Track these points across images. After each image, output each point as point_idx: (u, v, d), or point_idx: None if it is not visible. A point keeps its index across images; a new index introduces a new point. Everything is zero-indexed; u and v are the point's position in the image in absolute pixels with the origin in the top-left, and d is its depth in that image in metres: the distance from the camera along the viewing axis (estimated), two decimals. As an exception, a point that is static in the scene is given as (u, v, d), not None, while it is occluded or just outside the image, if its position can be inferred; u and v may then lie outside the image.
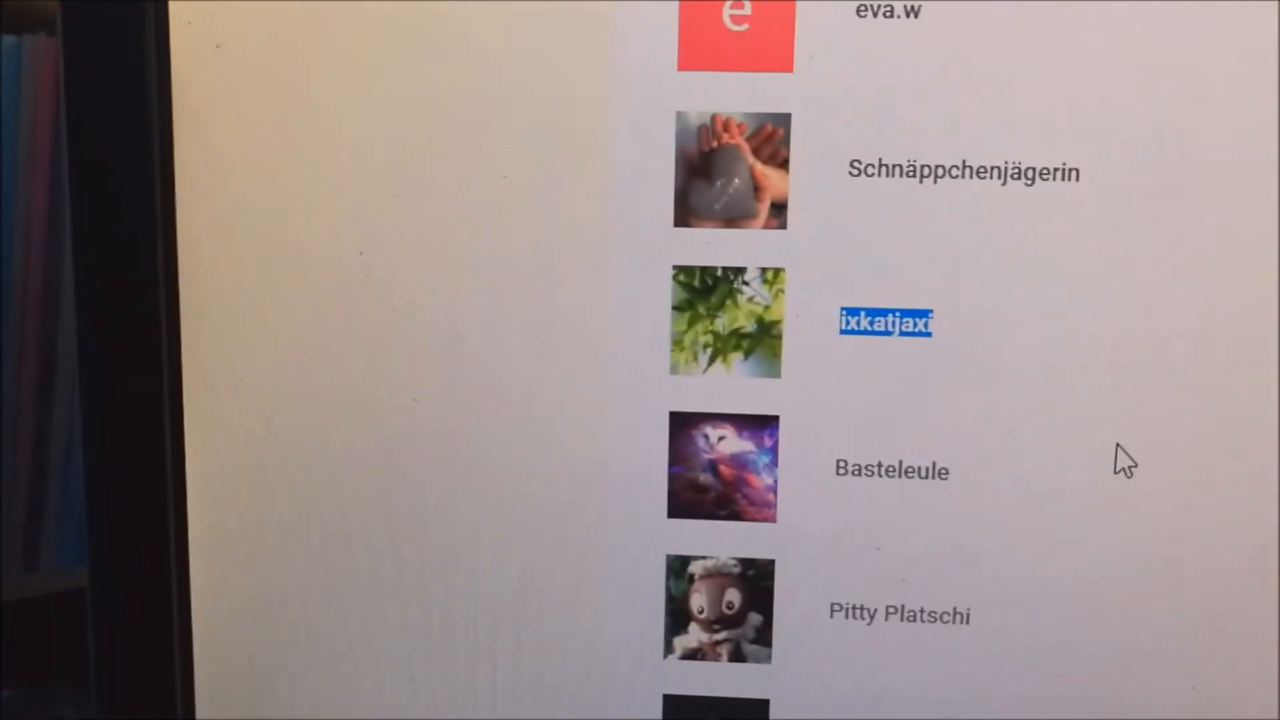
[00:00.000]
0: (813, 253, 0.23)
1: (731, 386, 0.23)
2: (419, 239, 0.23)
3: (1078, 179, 0.22)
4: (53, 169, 0.58)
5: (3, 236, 0.58)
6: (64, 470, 0.62)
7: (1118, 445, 0.23)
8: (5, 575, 0.61)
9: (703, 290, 0.23)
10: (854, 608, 0.24)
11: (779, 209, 0.23)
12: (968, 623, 0.24)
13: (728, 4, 0.22)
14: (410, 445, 0.23)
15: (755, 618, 0.24)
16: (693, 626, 0.24)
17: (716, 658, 0.24)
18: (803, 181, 0.23)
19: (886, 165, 0.22)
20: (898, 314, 0.23)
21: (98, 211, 0.23)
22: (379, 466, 0.24)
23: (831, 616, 0.24)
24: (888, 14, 0.22)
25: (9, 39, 0.58)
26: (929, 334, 0.23)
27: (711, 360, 0.23)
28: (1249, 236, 0.22)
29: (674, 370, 0.23)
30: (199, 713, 0.25)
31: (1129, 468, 0.23)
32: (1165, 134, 0.22)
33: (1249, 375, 0.23)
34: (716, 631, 0.24)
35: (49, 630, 0.68)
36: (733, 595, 0.24)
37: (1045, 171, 0.22)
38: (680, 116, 0.23)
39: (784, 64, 0.22)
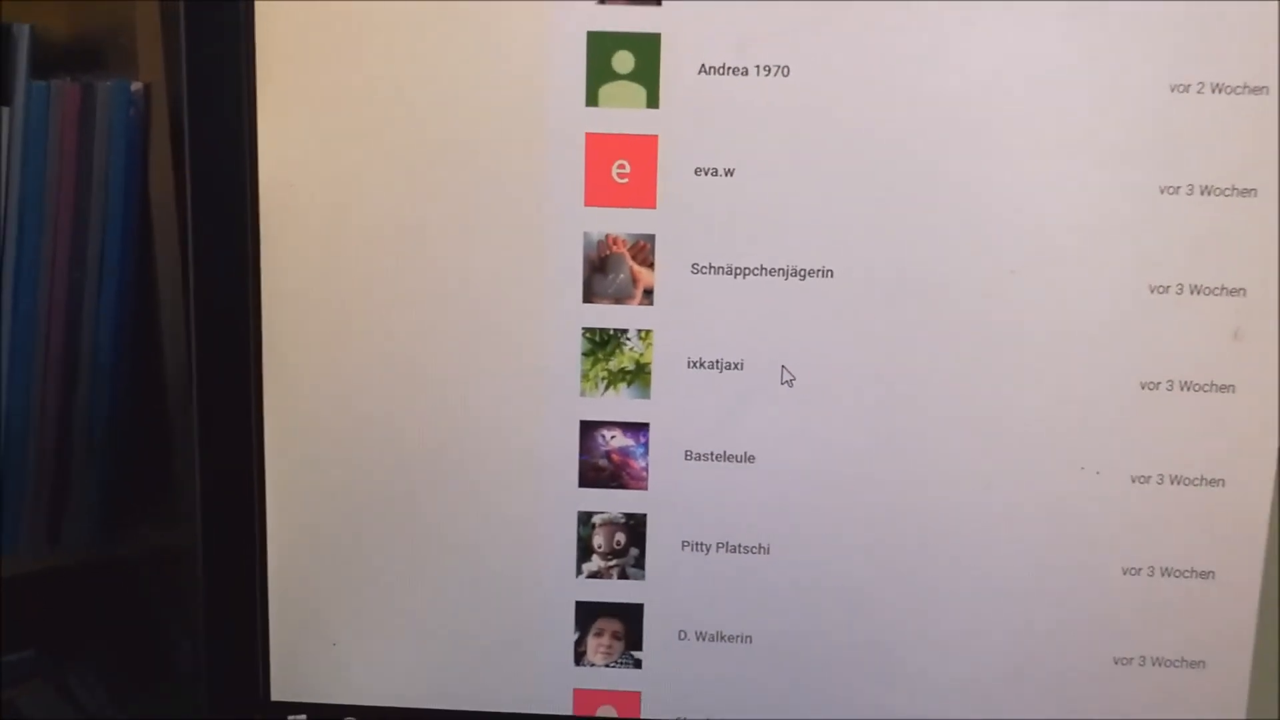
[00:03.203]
0: (669, 321, 0.38)
1: (619, 404, 0.39)
2: (434, 317, 0.38)
3: (833, 276, 0.38)
4: (76, 198, 0.72)
5: (31, 259, 0.73)
6: (85, 458, 0.76)
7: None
8: (25, 550, 0.75)
9: (601, 343, 0.38)
10: (695, 544, 0.39)
11: (648, 293, 0.38)
12: (768, 553, 0.39)
13: (614, 166, 0.37)
14: (425, 449, 0.39)
15: (634, 551, 0.39)
16: (594, 557, 0.39)
17: (609, 577, 0.40)
18: (662, 276, 0.38)
19: (714, 267, 0.38)
20: (723, 361, 0.38)
21: (210, 276, 0.38)
22: (407, 455, 0.39)
23: (682, 549, 0.39)
24: (713, 174, 0.37)
25: (38, 84, 0.72)
26: (742, 370, 0.38)
27: (606, 388, 0.39)
28: (973, 338, 0.38)
29: (583, 394, 0.39)
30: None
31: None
32: (901, 242, 0.37)
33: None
34: (609, 560, 0.39)
35: (68, 600, 0.82)
36: (620, 536, 0.39)
37: (810, 271, 0.38)
38: (586, 235, 0.38)
39: (650, 203, 0.38)
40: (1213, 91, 0.36)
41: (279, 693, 0.41)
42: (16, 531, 0.78)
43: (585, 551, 0.40)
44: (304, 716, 0.41)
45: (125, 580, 0.87)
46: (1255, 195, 0.37)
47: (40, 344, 0.75)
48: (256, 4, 0.37)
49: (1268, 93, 0.36)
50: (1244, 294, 0.37)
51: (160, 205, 0.77)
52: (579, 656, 0.40)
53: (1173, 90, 0.36)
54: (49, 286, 0.75)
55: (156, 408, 0.80)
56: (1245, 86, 0.36)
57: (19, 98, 0.72)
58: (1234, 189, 0.37)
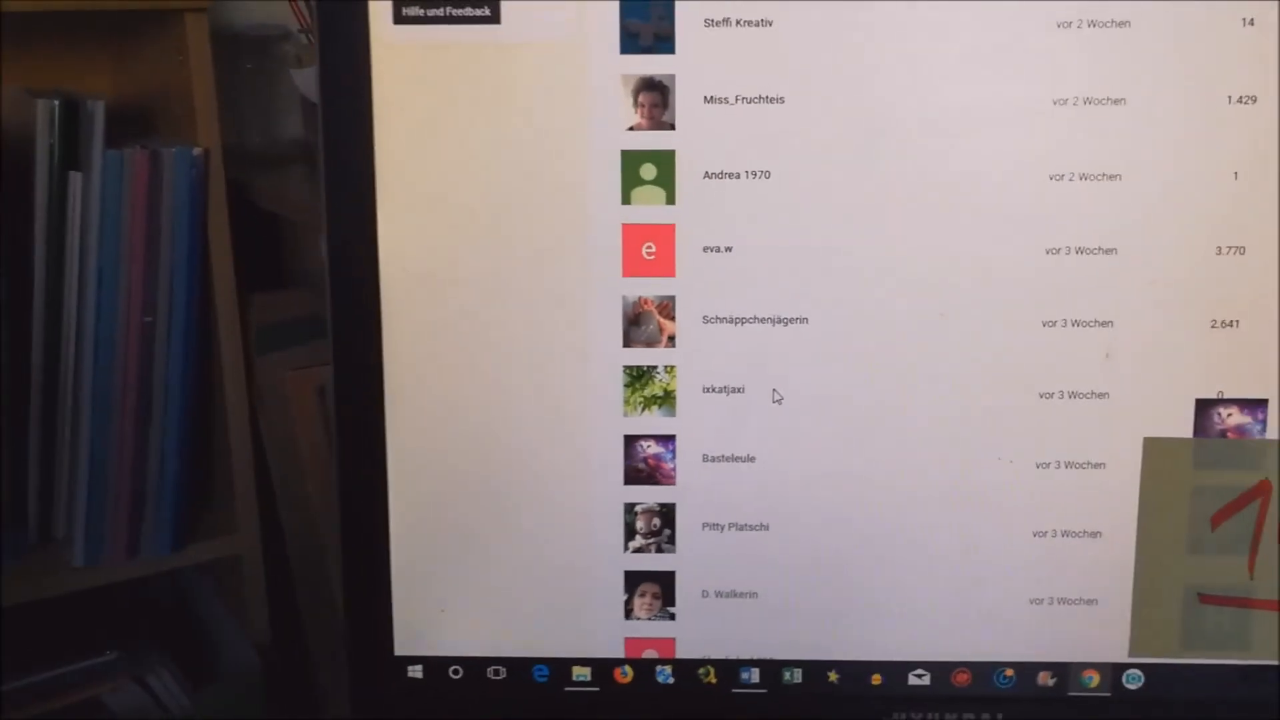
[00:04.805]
0: (688, 359, 0.55)
1: (653, 422, 0.55)
2: (515, 359, 0.54)
3: (808, 322, 0.54)
4: (147, 250, 0.88)
5: (110, 305, 0.89)
6: (159, 477, 0.92)
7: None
8: (108, 562, 0.90)
9: (638, 377, 0.55)
10: (713, 524, 0.56)
11: (671, 339, 0.55)
12: (768, 530, 0.56)
13: (644, 247, 0.54)
14: (510, 461, 0.55)
15: (667, 531, 0.56)
16: (637, 536, 0.56)
17: (649, 551, 0.56)
18: (682, 326, 0.55)
19: (721, 317, 0.54)
20: (729, 387, 0.55)
21: (347, 331, 0.54)
22: (497, 466, 0.55)
23: (703, 530, 0.56)
24: (716, 251, 0.54)
25: (112, 152, 0.88)
26: (743, 393, 0.55)
27: (643, 409, 0.55)
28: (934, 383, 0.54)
29: (625, 415, 0.55)
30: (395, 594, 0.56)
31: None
32: (858, 294, 0.54)
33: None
34: (648, 539, 0.56)
35: (146, 606, 0.98)
36: (656, 521, 0.56)
37: (791, 319, 0.54)
38: (624, 298, 0.54)
39: (671, 273, 0.54)
40: (1080, 179, 0.53)
41: (400, 649, 0.57)
42: (100, 546, 0.94)
43: (630, 533, 0.56)
44: (420, 666, 0.57)
45: (194, 586, 1.03)
46: (1116, 254, 0.54)
47: (118, 380, 0.92)
48: (376, 142, 0.53)
49: (1120, 179, 0.53)
50: (1112, 325, 0.54)
51: (218, 254, 0.93)
52: (628, 613, 0.57)
53: (1050, 179, 0.53)
54: (125, 328, 0.91)
55: (219, 434, 0.97)
56: (1104, 175, 0.53)
57: (95, 165, 0.89)
58: (1100, 249, 0.53)
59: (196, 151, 0.91)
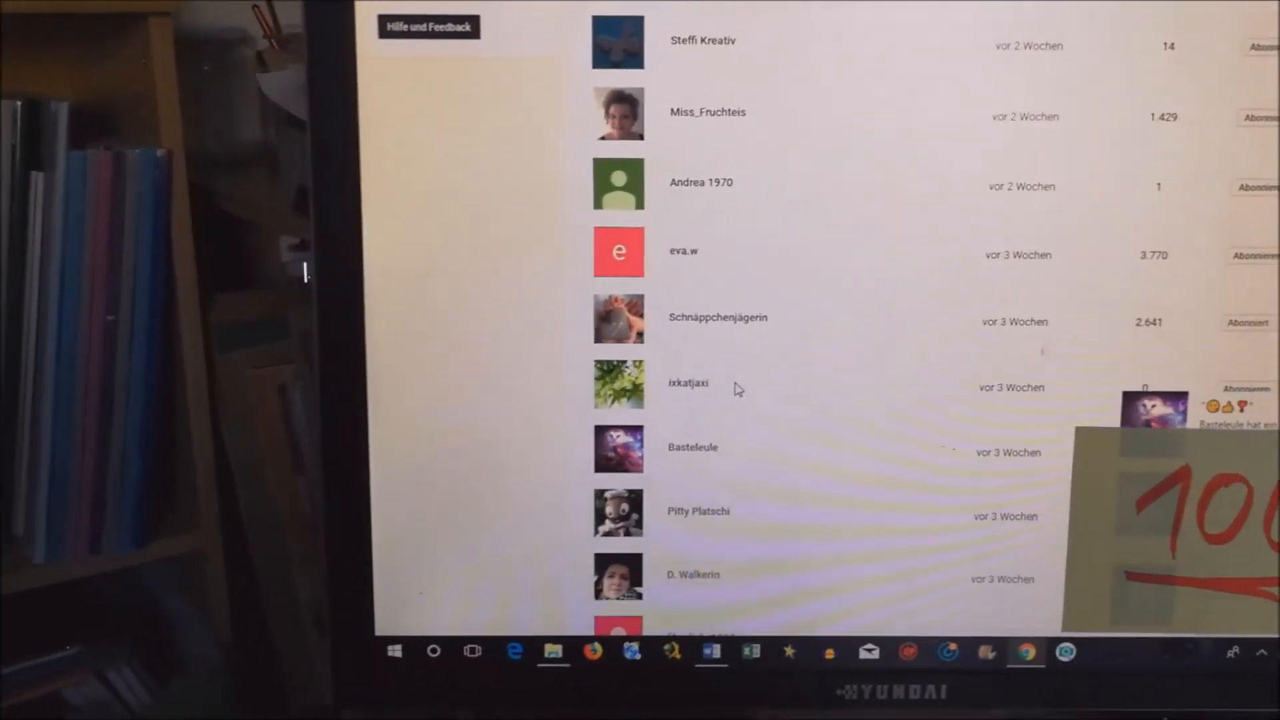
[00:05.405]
0: (655, 354, 0.59)
1: (622, 413, 0.60)
2: (493, 353, 0.59)
3: (767, 319, 0.59)
4: (110, 250, 0.91)
5: (72, 303, 0.92)
6: (121, 475, 0.95)
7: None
8: (69, 558, 0.93)
9: (608, 371, 0.59)
10: (677, 509, 0.60)
11: (640, 335, 0.59)
12: (729, 514, 0.61)
13: (614, 249, 0.58)
14: (488, 451, 0.59)
15: (634, 515, 0.60)
16: (606, 521, 0.60)
17: (617, 534, 0.60)
18: (650, 323, 0.59)
19: (686, 315, 0.59)
20: (693, 380, 0.60)
21: (332, 329, 0.58)
22: (475, 456, 0.59)
23: (669, 514, 0.60)
24: (682, 253, 0.58)
25: (75, 154, 0.91)
26: (707, 386, 0.60)
27: (613, 402, 0.60)
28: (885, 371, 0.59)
29: (596, 406, 0.59)
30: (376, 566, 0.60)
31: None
32: (814, 293, 0.59)
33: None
34: (617, 523, 0.60)
35: (107, 602, 1.01)
36: (624, 506, 0.60)
37: (752, 317, 0.59)
38: (596, 296, 0.58)
39: (639, 273, 0.58)
40: (1018, 189, 0.58)
41: (381, 629, 0.61)
42: (61, 542, 0.96)
43: (600, 517, 0.60)
44: (400, 645, 0.61)
45: (156, 583, 1.06)
46: (1050, 258, 0.59)
47: (80, 378, 0.94)
48: (362, 150, 0.57)
49: (1054, 189, 0.58)
50: (1047, 323, 0.59)
51: (181, 254, 0.96)
52: (598, 593, 0.61)
53: (991, 188, 0.58)
54: (88, 327, 0.94)
55: (181, 432, 0.99)
56: (1039, 185, 0.58)
57: (59, 166, 0.91)
58: (1036, 253, 0.59)
59: (160, 153, 0.94)
